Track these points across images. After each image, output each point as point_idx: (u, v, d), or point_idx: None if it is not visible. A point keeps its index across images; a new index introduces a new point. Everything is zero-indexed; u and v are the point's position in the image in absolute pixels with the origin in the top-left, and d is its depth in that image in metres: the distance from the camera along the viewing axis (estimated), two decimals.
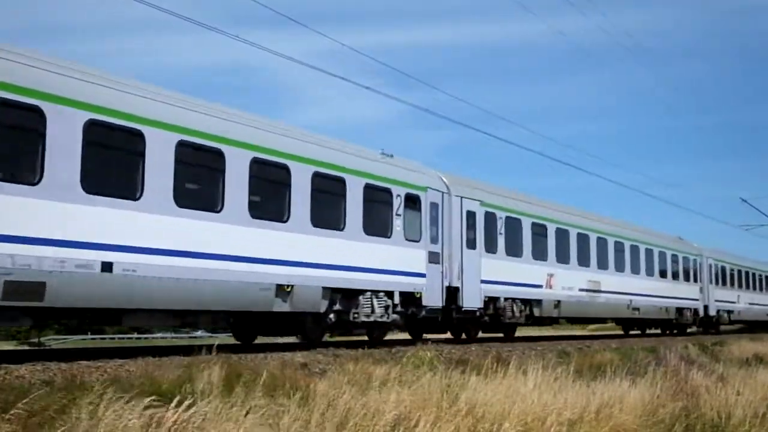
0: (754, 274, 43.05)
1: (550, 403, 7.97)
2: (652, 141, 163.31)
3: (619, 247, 27.91)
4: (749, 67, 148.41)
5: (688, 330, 35.14)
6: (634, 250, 29.08)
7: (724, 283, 38.44)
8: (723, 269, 38.51)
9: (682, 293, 33.33)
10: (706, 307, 35.62)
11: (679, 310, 32.87)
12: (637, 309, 28.82)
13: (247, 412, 6.13)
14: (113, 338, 44.18)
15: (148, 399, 5.96)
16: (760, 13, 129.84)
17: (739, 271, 40.89)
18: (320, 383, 8.51)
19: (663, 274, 31.63)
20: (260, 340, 17.37)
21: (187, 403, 5.97)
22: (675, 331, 34.22)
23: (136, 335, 45.83)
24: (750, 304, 41.71)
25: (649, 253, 30.25)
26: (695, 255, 35.24)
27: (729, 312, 38.43)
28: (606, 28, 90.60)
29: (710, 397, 10.24)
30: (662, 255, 31.66)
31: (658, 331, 34.56)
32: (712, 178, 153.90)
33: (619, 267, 27.78)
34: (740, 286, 40.72)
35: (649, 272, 30.22)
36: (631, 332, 33.42)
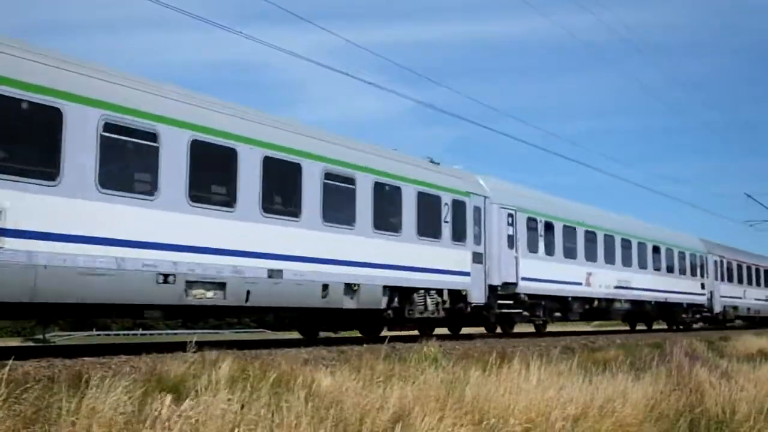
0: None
1: (554, 398, 7.97)
2: (657, 137, 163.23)
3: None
4: (755, 64, 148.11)
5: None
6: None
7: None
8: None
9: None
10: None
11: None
12: None
13: (242, 406, 6.13)
14: (118, 334, 44.17)
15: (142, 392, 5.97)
16: (767, 11, 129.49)
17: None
18: (325, 379, 8.51)
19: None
20: (268, 336, 17.72)
21: (195, 398, 5.99)
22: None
23: (141, 331, 45.77)
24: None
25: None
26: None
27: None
28: (612, 24, 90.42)
29: (715, 392, 10.22)
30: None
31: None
32: (717, 174, 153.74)
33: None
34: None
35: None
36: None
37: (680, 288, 33.80)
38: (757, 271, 45.61)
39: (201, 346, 10.33)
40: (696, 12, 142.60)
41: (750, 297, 42.94)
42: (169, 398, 5.91)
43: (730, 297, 39.97)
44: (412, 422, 6.55)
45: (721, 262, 39.66)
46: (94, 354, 11.19)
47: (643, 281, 30.16)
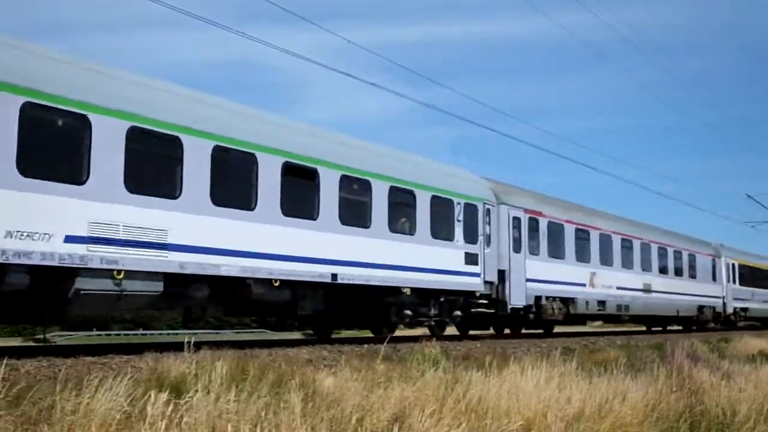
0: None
1: (552, 398, 7.98)
2: (657, 137, 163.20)
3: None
4: (755, 63, 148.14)
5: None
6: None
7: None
8: None
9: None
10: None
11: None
12: None
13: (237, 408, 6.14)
14: (119, 334, 44.17)
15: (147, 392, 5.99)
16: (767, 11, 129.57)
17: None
18: (326, 380, 8.53)
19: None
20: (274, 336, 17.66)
21: (193, 396, 6.00)
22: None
23: (141, 331, 45.81)
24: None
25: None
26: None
27: None
28: (612, 24, 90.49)
29: (715, 393, 10.23)
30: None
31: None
32: (718, 175, 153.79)
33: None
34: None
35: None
36: None
37: (408, 260, 17.28)
38: (626, 243, 28.44)
39: (201, 346, 10.35)
40: (696, 12, 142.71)
41: (613, 283, 26.76)
42: (168, 398, 5.92)
43: (551, 282, 23.44)
44: (411, 422, 6.56)
45: (533, 220, 22.89)
46: (94, 354, 11.21)
47: (261, 239, 13.93)
